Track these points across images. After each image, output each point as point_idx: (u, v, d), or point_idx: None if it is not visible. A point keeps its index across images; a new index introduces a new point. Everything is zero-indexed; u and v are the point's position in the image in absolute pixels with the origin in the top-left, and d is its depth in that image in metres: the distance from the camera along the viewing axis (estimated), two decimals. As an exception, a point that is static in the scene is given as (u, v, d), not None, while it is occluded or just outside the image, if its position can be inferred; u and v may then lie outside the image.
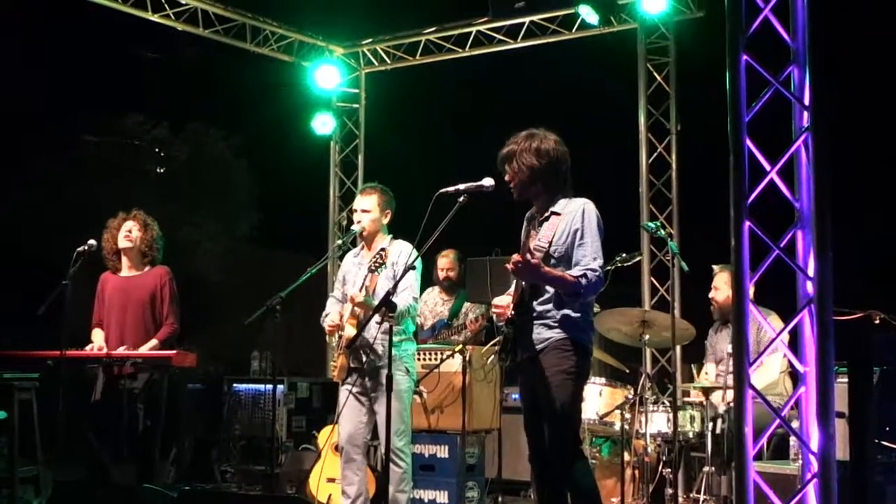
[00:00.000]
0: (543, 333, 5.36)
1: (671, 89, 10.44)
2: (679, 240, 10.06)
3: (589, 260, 5.28)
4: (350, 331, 6.59)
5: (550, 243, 5.35)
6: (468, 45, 11.58)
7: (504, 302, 5.51)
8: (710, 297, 7.87)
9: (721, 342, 7.83)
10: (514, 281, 5.50)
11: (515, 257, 5.22)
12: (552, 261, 5.35)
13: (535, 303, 5.40)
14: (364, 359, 6.67)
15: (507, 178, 5.53)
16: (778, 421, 4.52)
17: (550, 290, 5.38)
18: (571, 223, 5.36)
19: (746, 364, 4.37)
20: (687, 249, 8.88)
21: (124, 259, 7.75)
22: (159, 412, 7.42)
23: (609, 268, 6.66)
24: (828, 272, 4.34)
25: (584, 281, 5.23)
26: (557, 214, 5.42)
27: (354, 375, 6.73)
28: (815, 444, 4.32)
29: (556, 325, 5.35)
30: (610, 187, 9.81)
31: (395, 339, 6.43)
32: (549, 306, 5.37)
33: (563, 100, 16.34)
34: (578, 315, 5.37)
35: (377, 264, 6.42)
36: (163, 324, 7.64)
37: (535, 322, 5.38)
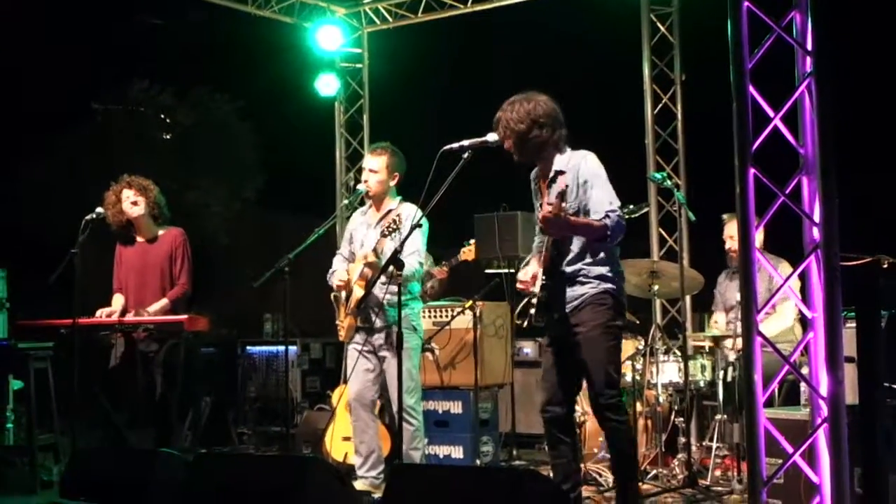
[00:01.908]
0: (578, 290, 5.41)
1: (675, 39, 10.38)
2: (686, 190, 10.05)
3: (605, 204, 5.31)
4: (359, 292, 6.62)
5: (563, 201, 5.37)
6: (470, 1, 11.50)
7: (528, 276, 5.52)
8: (726, 249, 7.86)
9: (730, 291, 7.85)
10: (543, 247, 5.51)
11: (543, 213, 5.22)
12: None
13: (564, 264, 5.44)
14: (372, 318, 6.71)
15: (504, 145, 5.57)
16: (787, 367, 4.54)
17: (576, 249, 5.42)
18: (578, 176, 5.39)
19: (754, 312, 4.39)
20: (694, 199, 8.85)
21: (137, 227, 7.76)
22: (175, 377, 7.46)
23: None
24: (833, 217, 4.35)
25: (608, 222, 5.26)
26: (562, 173, 5.43)
27: (362, 334, 6.77)
28: (824, 389, 4.34)
29: (589, 280, 5.40)
30: (616, 139, 9.76)
31: (401, 298, 6.49)
32: (579, 265, 5.42)
33: (566, 53, 16.28)
34: (609, 268, 5.43)
35: (390, 230, 6.40)
36: (176, 284, 7.68)
37: (569, 281, 5.43)
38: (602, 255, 5.42)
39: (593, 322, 5.35)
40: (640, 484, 5.79)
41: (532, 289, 5.41)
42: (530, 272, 5.51)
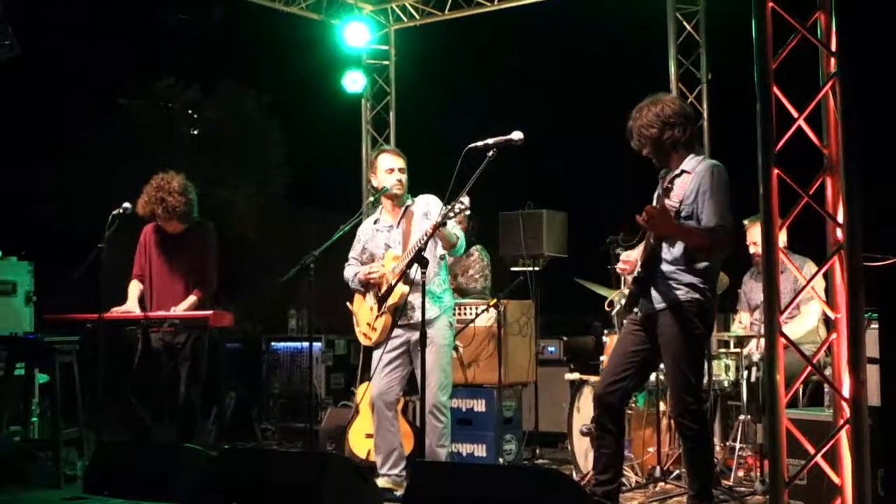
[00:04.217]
0: (668, 294, 5.42)
1: (701, 38, 10.33)
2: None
3: (718, 218, 5.30)
4: (399, 287, 6.60)
5: (681, 202, 5.40)
6: (497, -1, 11.48)
7: (631, 257, 5.61)
8: (752, 254, 7.84)
9: (755, 291, 7.83)
10: (644, 238, 5.54)
11: (648, 208, 5.24)
12: (680, 219, 5.40)
13: (663, 262, 5.46)
14: (410, 314, 6.69)
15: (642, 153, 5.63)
16: (811, 368, 4.53)
17: (677, 252, 5.43)
18: (700, 183, 5.39)
19: (777, 312, 4.38)
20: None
21: (166, 224, 7.74)
22: (199, 372, 7.49)
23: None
24: (857, 218, 4.34)
25: (713, 234, 5.27)
26: (688, 173, 5.46)
27: (399, 330, 6.75)
28: (847, 390, 4.33)
29: (680, 286, 5.40)
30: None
31: (437, 290, 6.59)
32: (675, 268, 5.43)
33: (593, 52, 16.24)
34: (702, 280, 5.42)
35: (454, 212, 6.35)
36: (203, 281, 7.67)
37: (661, 280, 5.45)
38: (700, 266, 5.41)
39: (677, 327, 5.38)
40: (713, 491, 5.78)
41: (627, 275, 5.56)
42: (633, 256, 5.55)
